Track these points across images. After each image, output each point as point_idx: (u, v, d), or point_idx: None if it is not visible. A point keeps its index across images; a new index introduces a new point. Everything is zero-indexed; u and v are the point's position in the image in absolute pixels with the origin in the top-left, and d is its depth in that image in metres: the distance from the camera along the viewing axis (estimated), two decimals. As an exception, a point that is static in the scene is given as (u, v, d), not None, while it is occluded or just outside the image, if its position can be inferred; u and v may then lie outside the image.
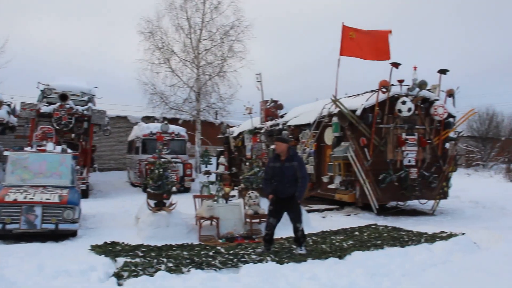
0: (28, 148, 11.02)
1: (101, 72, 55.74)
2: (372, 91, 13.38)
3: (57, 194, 8.98)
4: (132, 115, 29.96)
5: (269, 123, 18.10)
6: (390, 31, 13.95)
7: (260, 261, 6.66)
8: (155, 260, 6.65)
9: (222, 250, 7.60)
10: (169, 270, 6.01)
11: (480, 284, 5.66)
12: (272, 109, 18.63)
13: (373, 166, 12.63)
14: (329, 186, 13.90)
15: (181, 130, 21.69)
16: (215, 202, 10.17)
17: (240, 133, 21.19)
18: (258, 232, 9.54)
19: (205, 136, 27.49)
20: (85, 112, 17.92)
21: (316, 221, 11.40)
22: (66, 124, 17.30)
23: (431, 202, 13.67)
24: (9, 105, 18.88)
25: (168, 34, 26.43)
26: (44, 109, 17.34)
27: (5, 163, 10.56)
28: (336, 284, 5.61)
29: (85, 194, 15.93)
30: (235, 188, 14.90)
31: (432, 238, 8.47)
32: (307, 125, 15.17)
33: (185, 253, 7.31)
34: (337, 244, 8.14)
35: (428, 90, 13.46)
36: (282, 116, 18.26)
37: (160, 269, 6.00)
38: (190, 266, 6.25)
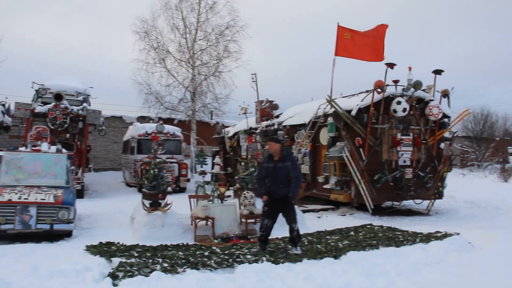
0: (22, 148, 10.98)
1: (96, 72, 55.65)
2: (367, 91, 13.40)
3: (52, 194, 8.94)
4: (127, 115, 29.89)
5: (264, 123, 18.08)
6: (387, 26, 13.96)
7: (256, 261, 6.66)
8: (151, 260, 6.64)
9: (218, 250, 7.60)
10: (165, 270, 6.00)
11: (475, 283, 5.68)
12: (267, 109, 18.61)
13: (368, 166, 12.65)
14: (325, 186, 13.90)
15: (177, 130, 21.67)
16: (210, 202, 10.17)
17: (236, 133, 21.18)
18: (254, 232, 9.54)
19: (201, 136, 27.46)
20: (80, 112, 17.86)
21: (312, 221, 11.41)
22: (61, 124, 17.24)
23: (426, 202, 13.70)
24: (3, 105, 18.83)
25: (164, 34, 26.46)
26: (39, 109, 17.28)
27: (-1, 163, 10.52)
28: (331, 284, 5.62)
29: (80, 194, 15.90)
30: (231, 188, 14.89)
31: (427, 238, 8.49)
32: (303, 125, 15.17)
33: (180, 253, 7.31)
34: (332, 244, 8.15)
35: (423, 90, 13.49)
36: (277, 116, 18.25)
37: (156, 269, 5.99)
38: (185, 266, 6.24)
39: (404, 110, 12.66)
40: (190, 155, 26.00)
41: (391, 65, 12.86)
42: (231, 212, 10.07)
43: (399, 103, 12.63)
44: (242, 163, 17.56)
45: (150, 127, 20.95)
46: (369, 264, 6.48)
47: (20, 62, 49.46)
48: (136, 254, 7.17)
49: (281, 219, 7.61)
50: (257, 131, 18.16)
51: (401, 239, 8.53)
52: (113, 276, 5.75)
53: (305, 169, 15.00)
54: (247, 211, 9.71)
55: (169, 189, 9.98)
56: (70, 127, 17.72)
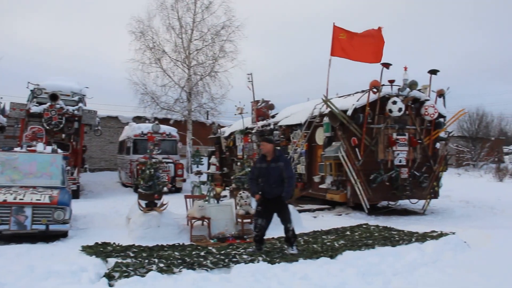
0: (18, 149, 10.96)
1: (91, 72, 55.53)
2: (363, 91, 13.42)
3: (47, 194, 8.92)
4: (123, 115, 29.86)
5: (260, 123, 18.09)
6: (381, 28, 13.97)
7: (252, 261, 6.66)
8: (146, 261, 6.63)
9: (214, 250, 7.59)
10: (161, 270, 5.99)
11: (471, 282, 5.69)
12: (263, 109, 18.62)
13: (364, 166, 12.66)
14: (320, 186, 13.92)
15: (172, 130, 21.66)
16: (206, 202, 10.17)
17: (232, 133, 21.17)
18: (250, 232, 9.54)
19: (196, 136, 27.47)
20: (76, 112, 17.83)
21: (308, 221, 11.42)
22: (56, 124, 17.20)
23: (422, 202, 13.73)
24: (-2, 105, 18.77)
25: (159, 34, 26.48)
26: (34, 109, 17.23)
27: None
28: (327, 284, 5.62)
29: (76, 194, 15.88)
30: (227, 188, 14.89)
31: (423, 237, 8.50)
32: (298, 125, 15.17)
33: (176, 253, 7.30)
34: (328, 244, 8.15)
35: (419, 90, 13.52)
36: (273, 116, 18.26)
37: (152, 270, 5.98)
38: (181, 267, 6.23)
39: (400, 110, 12.68)
40: (186, 155, 25.99)
41: (386, 65, 12.89)
42: (227, 212, 10.07)
43: (394, 103, 12.66)
44: (238, 163, 17.55)
45: (146, 127, 20.93)
46: (365, 264, 6.48)
47: (15, 63, 49.33)
48: (132, 255, 7.15)
49: (276, 219, 7.61)
50: (253, 131, 18.16)
51: (397, 238, 8.54)
52: (109, 276, 5.74)
53: (301, 169, 15.02)
54: (243, 211, 9.71)
55: (165, 189, 9.98)
56: (65, 127, 17.68)
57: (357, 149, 12.66)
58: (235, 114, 19.60)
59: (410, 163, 13.31)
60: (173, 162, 19.71)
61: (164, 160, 18.37)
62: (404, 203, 14.18)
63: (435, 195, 13.81)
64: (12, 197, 8.55)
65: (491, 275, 5.95)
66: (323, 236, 9.02)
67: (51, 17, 71.27)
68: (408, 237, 8.59)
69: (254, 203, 9.41)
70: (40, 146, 10.97)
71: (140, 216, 9.31)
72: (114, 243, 8.10)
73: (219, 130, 23.43)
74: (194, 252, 7.37)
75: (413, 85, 13.11)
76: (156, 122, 21.44)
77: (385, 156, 13.01)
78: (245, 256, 7.05)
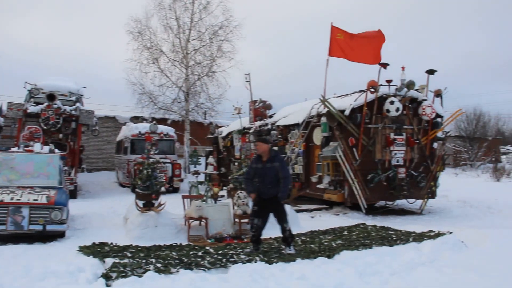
0: (15, 149, 10.93)
1: (89, 72, 55.47)
2: (360, 91, 13.44)
3: (44, 194, 8.90)
4: (120, 115, 29.82)
5: (258, 123, 18.09)
6: (379, 31, 13.99)
7: (249, 261, 6.66)
8: (144, 261, 6.62)
9: (211, 250, 7.59)
10: (158, 270, 5.99)
11: (468, 282, 5.71)
12: (260, 109, 18.62)
13: (362, 166, 12.68)
14: (318, 186, 13.92)
15: (170, 130, 21.65)
16: (204, 202, 10.16)
17: (229, 133, 21.17)
18: (247, 232, 9.52)
19: (194, 136, 27.44)
20: (73, 112, 17.80)
21: (305, 221, 11.42)
22: (53, 124, 17.17)
23: (419, 202, 13.75)
24: (-4, 105, 18.73)
25: (157, 34, 26.43)
26: (32, 109, 17.20)
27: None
28: (325, 284, 5.62)
29: (73, 194, 15.85)
30: (224, 188, 14.88)
31: (420, 237, 8.52)
32: (296, 125, 15.19)
33: (174, 253, 7.29)
34: (326, 243, 8.16)
35: (416, 90, 13.54)
36: (271, 116, 18.26)
37: (149, 270, 5.97)
38: (179, 267, 6.23)
39: (397, 109, 12.70)
40: (184, 155, 25.97)
41: (384, 65, 12.90)
42: (225, 212, 10.07)
43: (392, 102, 12.67)
44: (236, 163, 17.54)
45: (144, 127, 20.91)
46: (363, 264, 6.48)
47: (12, 63, 49.23)
48: (129, 255, 7.15)
49: (273, 218, 7.61)
50: (251, 131, 18.16)
51: (394, 238, 8.55)
52: (107, 276, 5.73)
53: (298, 169, 15.03)
54: (240, 211, 9.71)
55: (163, 189, 9.96)
56: (63, 127, 17.65)
57: (354, 149, 12.68)
58: (233, 114, 19.57)
59: (407, 163, 13.33)
60: (171, 162, 19.71)
61: (161, 160, 18.34)
62: (402, 203, 14.20)
63: (433, 195, 13.84)
64: (9, 197, 8.53)
65: (489, 274, 5.96)
66: (321, 236, 9.03)
67: (48, 16, 71.20)
68: (405, 237, 8.60)
69: (251, 203, 9.42)
70: (37, 146, 10.94)
71: (137, 216, 9.30)
72: (111, 243, 8.09)
73: (216, 130, 23.42)
74: (191, 252, 7.37)
75: (410, 85, 13.13)
76: (154, 122, 21.41)
77: (382, 156, 13.03)
78: (242, 256, 7.05)
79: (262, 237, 7.85)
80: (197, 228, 9.56)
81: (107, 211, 13.04)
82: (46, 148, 11.00)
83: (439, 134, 14.20)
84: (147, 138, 20.02)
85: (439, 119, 13.85)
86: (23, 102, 18.07)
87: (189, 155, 17.31)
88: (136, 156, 19.26)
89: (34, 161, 10.18)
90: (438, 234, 8.62)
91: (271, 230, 8.29)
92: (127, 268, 6.07)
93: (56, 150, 11.30)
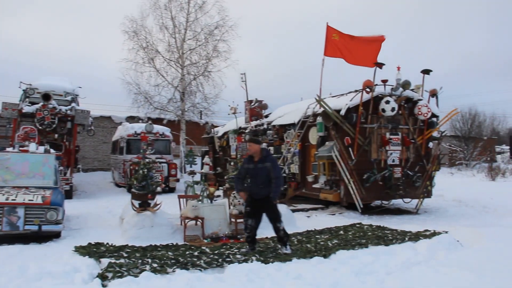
0: (10, 149, 10.90)
1: (84, 72, 55.35)
2: (356, 91, 13.45)
3: (40, 195, 8.88)
4: (116, 115, 29.77)
5: (253, 123, 18.10)
6: (384, 38, 14.06)
7: (245, 261, 6.66)
8: (140, 261, 6.61)
9: (207, 250, 7.58)
10: (154, 270, 5.98)
11: (464, 281, 5.72)
12: (256, 109, 18.63)
13: (358, 166, 12.68)
14: (314, 186, 13.94)
15: (166, 130, 21.62)
16: (200, 202, 10.16)
17: (225, 133, 21.16)
18: (243, 232, 9.51)
19: (190, 136, 27.44)
20: (69, 112, 17.74)
21: (301, 221, 11.43)
22: (49, 124, 17.11)
23: (415, 201, 13.77)
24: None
25: (153, 33, 26.43)
26: (27, 109, 17.14)
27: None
28: (321, 283, 5.62)
29: (69, 194, 15.83)
30: (220, 188, 14.89)
31: (416, 236, 8.53)
32: (292, 125, 15.19)
33: (170, 253, 7.28)
34: (322, 243, 8.17)
35: (412, 90, 13.56)
36: (266, 116, 18.27)
37: (145, 270, 5.96)
38: (175, 267, 6.22)
39: (393, 109, 12.71)
40: (180, 155, 25.96)
41: (379, 65, 12.92)
42: (221, 212, 10.07)
43: (388, 102, 12.69)
44: (232, 163, 17.53)
45: (139, 127, 20.88)
46: (359, 263, 6.49)
47: (7, 63, 49.05)
48: (125, 255, 7.14)
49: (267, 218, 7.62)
50: (247, 131, 18.15)
51: (390, 237, 8.56)
52: (102, 277, 5.72)
53: (294, 168, 15.03)
54: (236, 210, 9.71)
55: (159, 189, 9.96)
56: (58, 127, 17.60)
57: (350, 149, 12.68)
58: (229, 114, 19.59)
59: (403, 163, 13.34)
60: (167, 162, 19.69)
61: (157, 160, 18.33)
62: (397, 202, 14.22)
63: (428, 194, 13.86)
64: (4, 198, 8.51)
65: (484, 273, 5.98)
66: (317, 236, 9.04)
67: (43, 17, 70.99)
68: (401, 236, 8.62)
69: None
70: (32, 146, 10.92)
71: (133, 216, 9.29)
72: (107, 243, 8.07)
73: (212, 130, 23.41)
74: (187, 252, 7.36)
75: (406, 84, 13.15)
76: (150, 122, 21.38)
77: (378, 156, 13.04)
78: (238, 256, 7.05)
79: (257, 237, 7.86)
80: (193, 228, 9.56)
81: (103, 211, 13.02)
82: (41, 148, 10.98)
83: (435, 133, 14.22)
84: (143, 138, 19.98)
85: (434, 119, 13.88)
86: (18, 102, 18.01)
87: (185, 155, 17.30)
88: (132, 156, 19.26)
89: (30, 161, 10.15)
90: (434, 234, 8.64)
91: (267, 229, 8.28)
92: (123, 268, 6.06)
93: (52, 150, 11.27)
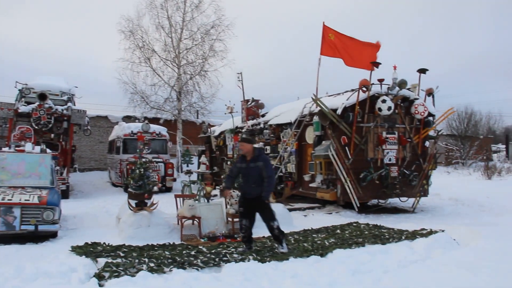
0: (6, 149, 10.89)
1: (80, 71, 55.25)
2: (352, 90, 13.47)
3: (36, 195, 8.86)
4: (112, 114, 29.72)
5: (250, 122, 18.09)
6: (380, 44, 14.09)
7: (242, 260, 6.67)
8: (137, 260, 6.60)
9: (204, 249, 7.58)
10: (151, 270, 5.97)
11: (460, 280, 5.73)
12: (253, 108, 18.63)
13: (354, 165, 12.70)
14: (311, 185, 13.94)
15: (162, 130, 21.60)
16: (196, 201, 10.15)
17: (222, 133, 21.16)
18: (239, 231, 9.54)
19: (187, 136, 27.40)
20: (65, 111, 17.72)
21: (298, 220, 11.44)
22: (45, 124, 17.08)
23: (412, 200, 13.79)
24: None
25: (149, 33, 26.37)
26: (23, 108, 17.10)
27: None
28: (317, 282, 5.63)
29: (65, 194, 15.79)
30: (217, 187, 14.88)
31: (412, 235, 8.55)
32: (289, 124, 15.20)
33: (167, 253, 7.28)
34: (318, 242, 8.17)
35: (408, 89, 13.58)
36: (263, 115, 18.27)
37: (142, 269, 5.95)
38: (172, 266, 6.22)
39: (389, 108, 12.73)
40: (176, 155, 25.94)
41: (376, 64, 12.93)
42: (218, 211, 10.07)
43: (384, 101, 12.70)
44: (228, 162, 17.54)
45: (136, 126, 20.86)
46: (355, 262, 6.50)
47: (1, 64, 48.94)
48: (122, 254, 7.12)
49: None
50: (243, 130, 18.15)
51: (387, 236, 8.58)
52: (99, 276, 5.71)
53: (291, 168, 15.04)
54: (233, 210, 9.70)
55: (155, 188, 9.94)
56: (54, 127, 17.56)
57: (347, 148, 12.70)
58: (225, 113, 19.58)
59: (399, 162, 13.37)
60: (163, 161, 19.68)
61: (154, 159, 18.34)
62: (394, 201, 14.25)
63: (425, 193, 13.89)
64: (0, 198, 8.49)
65: (481, 272, 5.99)
66: (314, 235, 9.04)
67: (40, 16, 70.82)
68: (398, 235, 8.64)
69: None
70: (28, 146, 10.89)
71: (130, 216, 9.28)
72: (104, 243, 8.05)
73: (209, 129, 23.40)
74: (184, 252, 7.36)
75: (402, 84, 13.17)
76: (146, 121, 21.36)
77: (375, 155, 13.06)
78: (235, 255, 7.05)
79: (254, 236, 7.87)
80: (190, 228, 9.55)
81: (99, 211, 13.01)
82: (37, 148, 10.95)
83: (431, 132, 14.25)
84: (140, 137, 19.97)
85: (431, 118, 13.90)
86: (14, 101, 17.96)
87: (182, 154, 17.30)
88: (128, 155, 19.24)
89: (26, 161, 10.13)
90: (431, 232, 8.66)
91: (263, 229, 8.25)
92: (120, 268, 6.04)
93: (48, 150, 11.25)
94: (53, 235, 8.96)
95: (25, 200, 8.58)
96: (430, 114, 13.80)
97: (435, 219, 11.86)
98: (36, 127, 16.81)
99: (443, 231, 8.71)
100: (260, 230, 8.17)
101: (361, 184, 12.67)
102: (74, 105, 18.80)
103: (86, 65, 63.74)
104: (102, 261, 6.54)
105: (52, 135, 17.73)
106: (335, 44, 13.99)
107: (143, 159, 10.06)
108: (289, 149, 14.95)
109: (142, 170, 9.52)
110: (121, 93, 26.09)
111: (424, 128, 13.79)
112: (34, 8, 71.37)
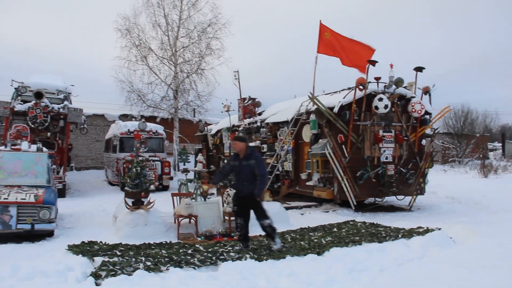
0: (2, 147, 10.85)
1: (77, 70, 55.11)
2: (349, 88, 13.48)
3: (32, 193, 8.84)
4: (109, 113, 29.67)
5: (247, 121, 18.09)
6: (374, 50, 14.12)
7: (239, 258, 6.67)
8: (134, 259, 6.59)
9: (201, 248, 7.58)
10: (148, 269, 5.97)
11: (456, 278, 5.74)
12: (250, 107, 18.63)
13: (351, 163, 12.71)
14: (307, 183, 13.95)
15: (159, 128, 21.58)
16: (193, 200, 10.15)
17: (218, 131, 21.14)
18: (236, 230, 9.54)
19: (183, 134, 27.39)
20: (61, 110, 17.67)
21: (295, 218, 11.43)
22: (41, 122, 17.04)
23: (408, 198, 13.82)
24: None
25: (145, 31, 26.39)
26: (19, 107, 17.06)
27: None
28: (314, 280, 5.64)
29: (62, 193, 15.78)
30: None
31: (409, 233, 8.56)
32: (285, 123, 15.20)
33: (163, 251, 7.27)
34: (315, 240, 8.17)
35: (405, 87, 13.59)
36: (260, 114, 18.27)
37: (139, 268, 5.94)
38: (168, 265, 6.21)
39: (386, 107, 12.74)
40: (173, 153, 25.93)
41: (373, 63, 12.94)
42: (214, 210, 10.06)
43: (381, 100, 12.71)
44: (225, 161, 17.52)
45: (133, 125, 20.85)
46: (352, 260, 6.51)
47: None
48: (119, 253, 7.11)
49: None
50: (240, 129, 18.15)
51: (384, 235, 8.58)
52: (96, 275, 5.70)
53: (288, 166, 15.04)
54: (230, 208, 9.69)
55: (152, 187, 9.94)
56: (51, 125, 17.54)
57: (343, 146, 12.70)
58: (222, 112, 19.58)
59: (396, 160, 13.38)
60: (160, 160, 19.65)
61: (150, 158, 18.31)
62: (391, 199, 14.28)
63: (421, 191, 13.91)
64: (-4, 197, 8.47)
65: (477, 270, 6.01)
66: (310, 233, 9.04)
67: (36, 14, 70.60)
68: (394, 233, 8.64)
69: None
70: (25, 145, 10.86)
71: (127, 215, 9.27)
72: (100, 242, 8.03)
73: (206, 127, 23.39)
74: (181, 250, 7.35)
75: (399, 82, 13.17)
76: (143, 120, 21.34)
77: (371, 153, 13.07)
78: (232, 254, 7.05)
79: (251, 234, 7.88)
80: (186, 226, 9.54)
81: (96, 210, 12.98)
82: (33, 147, 10.93)
83: (428, 131, 14.27)
84: (136, 136, 19.94)
85: (427, 116, 13.92)
86: (10, 100, 17.91)
87: (179, 153, 17.30)
88: (125, 154, 19.20)
89: (22, 159, 10.11)
90: (427, 230, 8.67)
91: (259, 227, 8.31)
92: (117, 267, 6.04)
93: (44, 149, 11.21)
94: (49, 234, 8.95)
95: (21, 199, 8.56)
96: (426, 113, 13.82)
97: (431, 217, 11.88)
98: (33, 126, 16.77)
99: (439, 229, 8.72)
100: (256, 228, 8.16)
101: (357, 183, 12.69)
102: (71, 103, 18.76)
103: (83, 64, 63.60)
104: (98, 260, 6.53)
105: (49, 134, 17.70)
106: (331, 42, 14.02)
107: (140, 158, 10.06)
108: (286, 147, 14.95)
109: (138, 168, 9.50)
110: (118, 91, 26.10)
111: (421, 126, 13.80)
112: (34, 8, 71.16)
